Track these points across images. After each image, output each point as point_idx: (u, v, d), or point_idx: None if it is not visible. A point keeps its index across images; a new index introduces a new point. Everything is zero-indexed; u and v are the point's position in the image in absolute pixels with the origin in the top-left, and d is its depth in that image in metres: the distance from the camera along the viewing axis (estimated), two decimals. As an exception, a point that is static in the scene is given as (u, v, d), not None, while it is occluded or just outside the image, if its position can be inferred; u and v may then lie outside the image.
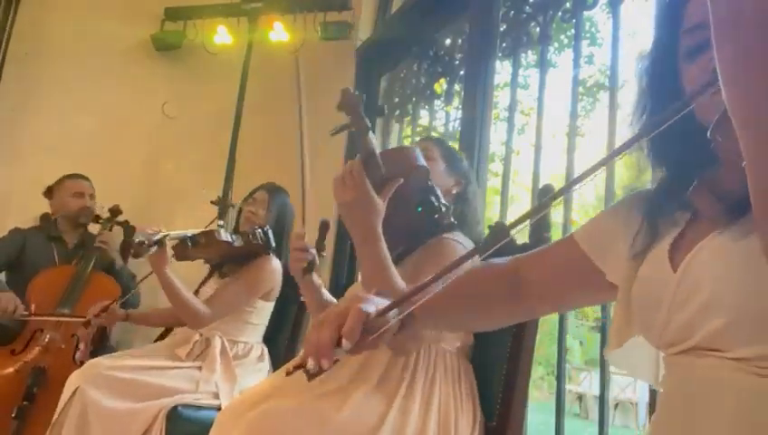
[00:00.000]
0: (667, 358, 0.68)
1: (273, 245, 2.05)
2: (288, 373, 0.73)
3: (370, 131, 1.13)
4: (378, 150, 1.22)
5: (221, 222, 2.72)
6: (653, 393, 0.73)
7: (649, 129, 0.54)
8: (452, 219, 1.34)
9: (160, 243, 1.80)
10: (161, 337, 2.41)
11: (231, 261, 2.10)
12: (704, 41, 0.65)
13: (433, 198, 1.29)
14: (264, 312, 2.11)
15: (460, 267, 0.66)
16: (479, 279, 0.90)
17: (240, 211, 2.25)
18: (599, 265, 0.79)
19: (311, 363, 0.68)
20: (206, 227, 2.08)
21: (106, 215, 2.93)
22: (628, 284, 0.73)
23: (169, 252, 1.90)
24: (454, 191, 1.48)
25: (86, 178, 2.87)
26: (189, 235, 1.93)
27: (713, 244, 0.63)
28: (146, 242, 1.77)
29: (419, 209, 1.30)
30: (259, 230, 2.01)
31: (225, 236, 1.97)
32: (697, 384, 0.62)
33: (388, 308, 0.72)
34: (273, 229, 2.06)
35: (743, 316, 0.58)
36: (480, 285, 0.89)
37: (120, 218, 2.97)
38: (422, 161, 1.29)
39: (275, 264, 2.07)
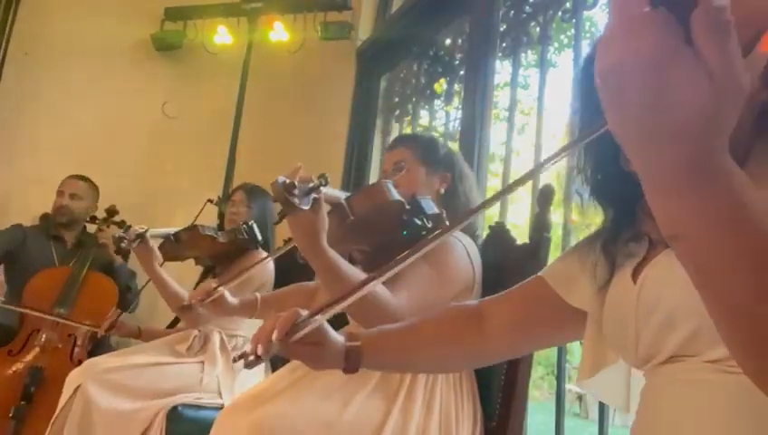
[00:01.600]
0: (647, 372, 0.69)
1: (260, 238, 2.06)
2: (234, 360, 0.82)
3: (319, 194, 1.10)
4: (344, 198, 1.21)
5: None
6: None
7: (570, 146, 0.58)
8: (446, 223, 1.33)
9: (141, 237, 1.81)
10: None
11: (222, 260, 2.11)
12: None
13: (417, 220, 1.27)
14: None
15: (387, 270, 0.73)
16: (448, 318, 0.92)
17: (223, 216, 2.28)
18: (564, 297, 0.82)
19: (249, 348, 0.76)
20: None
21: (103, 215, 2.94)
22: (596, 314, 0.76)
23: (158, 251, 1.90)
24: (441, 191, 1.45)
25: (83, 179, 2.85)
26: (172, 231, 1.94)
27: (667, 257, 0.65)
28: (126, 237, 1.78)
29: (405, 234, 1.28)
30: (244, 226, 2.02)
31: (208, 231, 1.98)
32: (672, 386, 0.63)
33: (318, 310, 0.77)
34: (258, 224, 2.07)
35: (709, 321, 0.58)
36: (448, 324, 0.91)
37: (117, 219, 2.97)
38: (394, 196, 1.26)
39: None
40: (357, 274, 1.17)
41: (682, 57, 0.36)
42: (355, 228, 1.20)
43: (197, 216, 2.15)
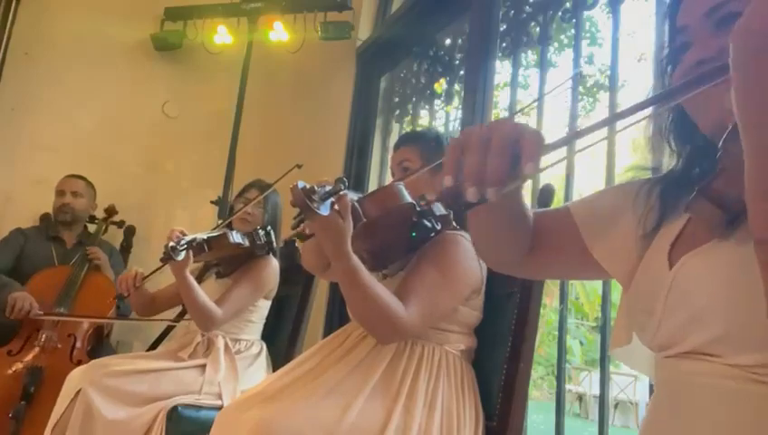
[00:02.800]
0: (660, 360, 0.68)
1: (275, 246, 2.05)
2: (426, 202, 0.65)
3: (340, 198, 1.10)
4: (356, 200, 1.20)
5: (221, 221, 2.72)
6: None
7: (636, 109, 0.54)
8: (454, 224, 1.33)
9: (189, 247, 1.79)
10: (160, 339, 2.41)
11: (230, 261, 2.10)
12: (682, 43, 0.68)
13: (426, 221, 1.27)
14: (263, 310, 2.13)
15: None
16: (534, 218, 0.84)
17: (231, 209, 2.24)
18: (586, 241, 0.78)
19: (472, 193, 0.57)
20: (213, 229, 2.06)
21: (102, 215, 2.93)
22: (629, 279, 0.73)
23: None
24: None
25: (80, 178, 2.86)
26: (205, 238, 1.91)
27: (709, 253, 0.62)
28: (177, 247, 1.75)
29: (414, 235, 1.29)
30: (262, 232, 2.01)
31: (236, 238, 1.97)
32: (690, 388, 0.62)
33: (562, 142, 0.59)
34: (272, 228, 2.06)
35: (739, 327, 0.57)
36: (530, 222, 0.83)
37: (116, 218, 2.96)
38: (406, 199, 1.25)
39: (275, 264, 2.08)
40: (374, 282, 1.19)
41: None
42: (366, 230, 1.21)
43: (226, 221, 2.12)
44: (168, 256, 1.74)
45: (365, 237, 1.24)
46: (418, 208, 1.26)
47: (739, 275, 0.57)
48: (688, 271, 0.63)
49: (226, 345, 1.99)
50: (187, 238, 1.78)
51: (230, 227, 2.13)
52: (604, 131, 0.59)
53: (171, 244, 1.74)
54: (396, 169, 1.50)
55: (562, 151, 0.61)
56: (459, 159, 0.59)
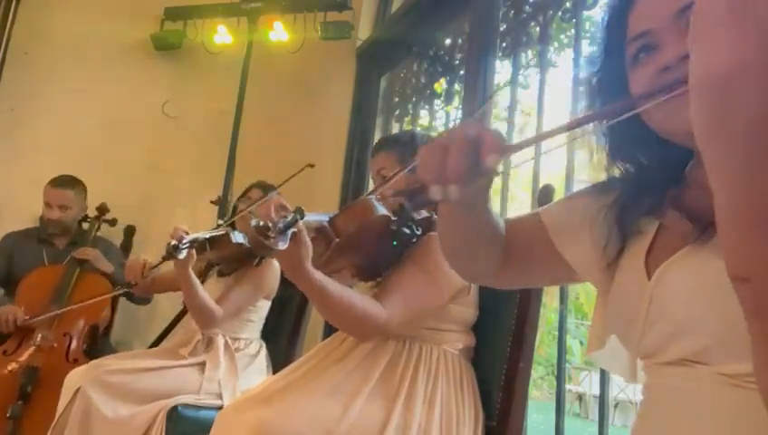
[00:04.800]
0: (648, 366, 0.67)
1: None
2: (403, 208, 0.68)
3: (298, 228, 1.07)
4: (326, 220, 1.20)
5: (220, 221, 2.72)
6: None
7: (599, 115, 0.57)
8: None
9: (191, 245, 1.79)
10: (160, 339, 2.41)
11: (230, 261, 2.11)
12: (644, 45, 0.67)
13: (405, 229, 1.27)
14: (263, 310, 2.14)
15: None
16: (507, 227, 0.84)
17: (235, 209, 2.25)
18: (558, 249, 0.79)
19: (435, 190, 0.59)
20: (214, 228, 2.06)
21: (94, 214, 2.91)
22: (605, 289, 0.73)
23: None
24: None
25: (67, 186, 2.75)
26: (207, 237, 1.92)
27: (685, 262, 0.62)
28: (180, 246, 1.74)
29: (395, 244, 1.29)
30: None
31: (237, 238, 1.97)
32: (680, 394, 0.61)
33: (524, 144, 0.61)
34: None
35: (723, 338, 0.57)
36: (501, 232, 0.83)
37: (108, 216, 2.94)
38: (378, 211, 1.24)
39: (276, 264, 2.07)
40: (343, 291, 1.19)
41: None
42: (343, 248, 1.20)
43: (229, 221, 2.12)
44: (170, 255, 1.74)
45: (347, 253, 1.24)
46: (394, 217, 1.25)
47: (717, 286, 0.55)
48: (666, 282, 0.63)
49: (226, 343, 2.00)
50: (190, 237, 1.78)
51: (233, 227, 2.13)
52: (571, 134, 0.60)
53: (173, 242, 1.74)
54: (375, 177, 1.49)
55: (529, 152, 0.63)
56: (425, 161, 0.61)
